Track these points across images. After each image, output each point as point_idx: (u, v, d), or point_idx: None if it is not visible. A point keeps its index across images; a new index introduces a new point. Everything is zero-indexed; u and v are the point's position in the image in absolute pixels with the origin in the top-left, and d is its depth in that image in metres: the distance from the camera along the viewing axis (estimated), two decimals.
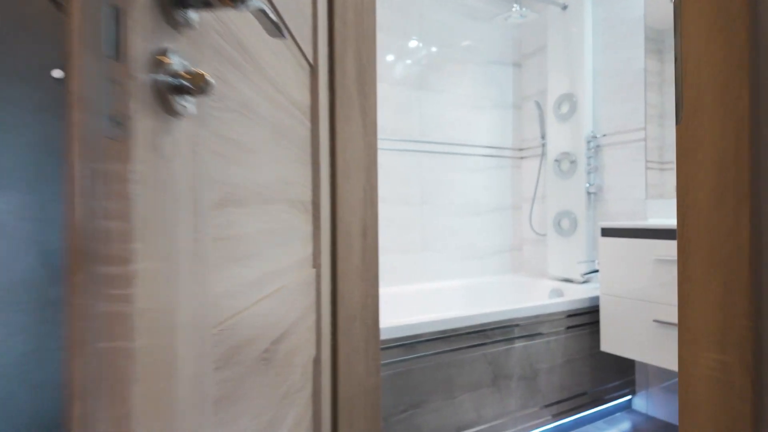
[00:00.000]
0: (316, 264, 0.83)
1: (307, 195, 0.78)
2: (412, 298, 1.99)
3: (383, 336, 1.27)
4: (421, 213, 2.13)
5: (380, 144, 2.02)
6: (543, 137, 2.25)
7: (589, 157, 2.01)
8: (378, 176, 1.01)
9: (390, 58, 2.05)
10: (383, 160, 2.03)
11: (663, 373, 1.75)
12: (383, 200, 2.03)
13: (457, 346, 1.40)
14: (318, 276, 0.82)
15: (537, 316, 1.58)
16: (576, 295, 1.73)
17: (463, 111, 2.27)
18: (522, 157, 2.47)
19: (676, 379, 1.70)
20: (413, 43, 2.11)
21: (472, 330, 1.43)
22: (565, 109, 2.10)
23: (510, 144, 2.44)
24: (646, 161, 1.81)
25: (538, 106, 2.21)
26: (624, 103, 1.91)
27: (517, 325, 1.53)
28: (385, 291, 1.95)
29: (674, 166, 1.87)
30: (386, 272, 2.03)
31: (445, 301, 2.08)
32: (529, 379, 1.55)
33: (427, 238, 2.14)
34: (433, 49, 2.17)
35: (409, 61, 2.10)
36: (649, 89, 1.80)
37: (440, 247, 2.18)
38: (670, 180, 1.75)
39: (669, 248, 1.38)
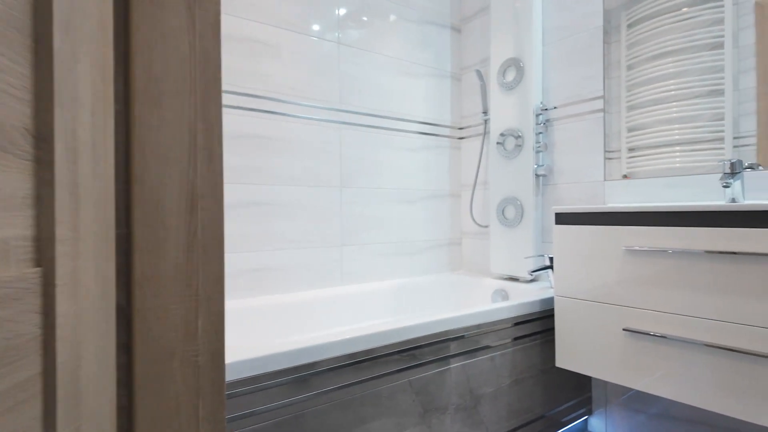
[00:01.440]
0: (47, 258, 0.41)
1: (3, 110, 0.36)
2: (325, 308, 1.60)
3: (260, 369, 0.86)
4: (340, 198, 1.74)
5: (291, 109, 1.61)
6: (485, 112, 1.95)
7: (538, 134, 1.73)
8: (222, 110, 0.61)
9: (302, 1, 1.64)
10: (293, 129, 1.62)
11: (623, 387, 1.49)
12: (293, 180, 1.62)
13: (373, 374, 1.03)
14: (47, 283, 0.41)
15: (479, 326, 1.25)
16: (524, 297, 1.43)
17: (393, 77, 1.91)
18: (462, 138, 2.16)
19: (635, 391, 1.45)
20: None
21: (395, 350, 1.07)
22: (510, 76, 1.81)
23: (448, 121, 2.12)
24: (605, 135, 1.55)
25: (480, 75, 1.91)
26: (579, 68, 1.64)
27: (454, 339, 1.19)
28: (289, 299, 1.55)
29: (621, 155, 1.66)
30: (293, 272, 1.62)
31: (368, 309, 1.71)
32: (468, 409, 1.21)
33: (347, 229, 1.76)
34: None
35: (326, 8, 1.71)
36: None
37: (363, 241, 1.81)
38: (617, 170, 1.51)
39: (643, 236, 1.10)
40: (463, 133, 2.16)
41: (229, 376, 0.84)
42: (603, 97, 1.57)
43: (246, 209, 1.53)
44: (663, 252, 1.07)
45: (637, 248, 1.11)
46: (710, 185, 1.29)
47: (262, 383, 0.87)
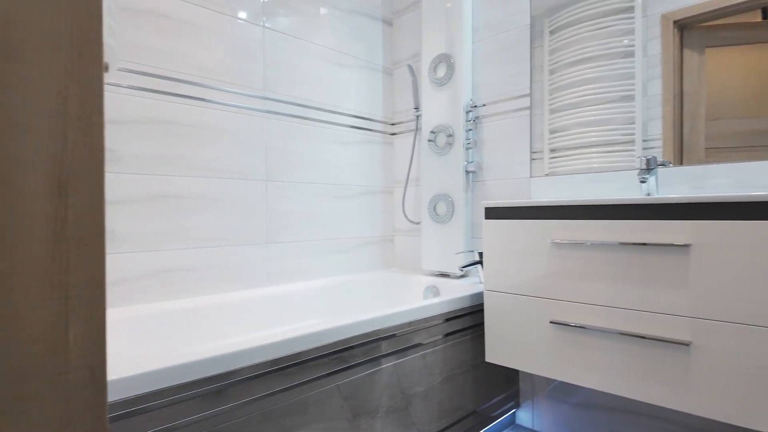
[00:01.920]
0: None
1: None
2: (249, 311, 1.48)
3: (165, 383, 0.75)
4: (265, 192, 1.63)
5: (209, 94, 1.47)
6: (417, 108, 1.93)
7: (468, 130, 1.74)
8: (102, 66, 0.50)
9: None
10: (212, 116, 1.48)
11: (549, 378, 1.53)
12: (211, 171, 1.48)
13: (298, 381, 0.95)
14: None
15: (411, 324, 1.21)
16: (455, 293, 1.42)
17: (323, 67, 1.83)
18: (394, 133, 2.13)
19: (559, 381, 1.49)
20: None
21: (323, 353, 1.00)
22: (441, 72, 1.80)
23: (381, 116, 2.08)
24: (531, 133, 1.59)
25: (411, 70, 1.88)
26: (507, 65, 1.67)
27: (385, 338, 1.14)
28: (208, 302, 1.41)
29: (544, 155, 1.72)
30: (213, 273, 1.49)
31: (297, 310, 1.62)
32: (400, 410, 1.17)
33: (273, 225, 1.65)
34: None
35: None
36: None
37: (291, 238, 1.71)
38: (539, 170, 1.55)
39: (567, 229, 1.12)
40: (395, 129, 2.13)
41: (125, 393, 0.72)
42: (530, 95, 1.60)
43: (157, 203, 1.37)
44: (585, 244, 1.10)
45: (561, 241, 1.13)
46: (630, 181, 1.36)
47: (166, 398, 0.75)
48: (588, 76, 1.46)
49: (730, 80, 1.20)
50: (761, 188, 1.12)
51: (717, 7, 1.21)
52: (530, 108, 1.60)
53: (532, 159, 1.59)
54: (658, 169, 1.28)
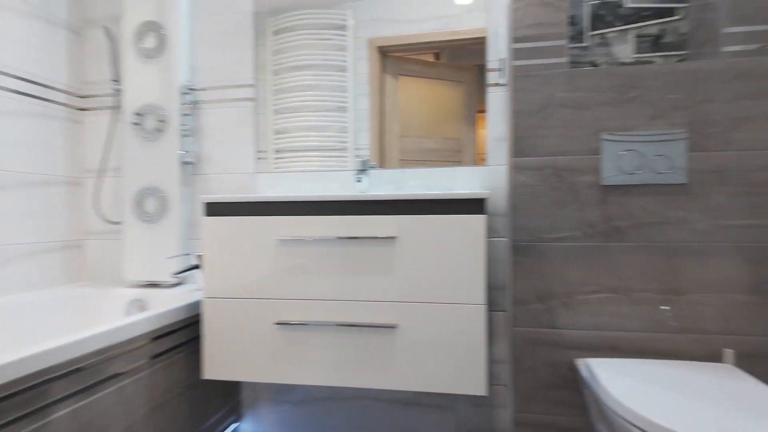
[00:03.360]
0: None
1: None
2: None
3: None
4: None
5: None
6: (117, 81, 1.59)
7: (184, 115, 1.54)
8: None
9: None
10: None
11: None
12: None
13: None
14: None
15: (101, 352, 0.95)
16: (166, 305, 1.22)
17: None
18: (84, 108, 1.69)
19: (283, 382, 1.49)
20: None
21: None
22: (150, 42, 1.54)
23: (64, 85, 1.61)
24: (257, 125, 1.53)
25: (109, 33, 1.54)
26: (230, 51, 1.57)
27: (61, 377, 0.85)
28: None
29: (269, 155, 1.69)
30: None
31: None
32: None
33: None
34: None
35: None
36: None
37: None
38: (264, 169, 1.53)
39: (292, 226, 1.11)
40: (86, 103, 1.69)
41: None
42: (254, 86, 1.54)
43: None
44: (308, 240, 1.11)
45: (286, 238, 1.11)
46: (348, 181, 1.47)
47: None
48: (308, 82, 1.51)
49: (414, 106, 1.45)
50: (440, 189, 1.40)
51: (403, 43, 1.44)
52: (255, 99, 1.54)
53: (258, 159, 1.54)
54: (370, 171, 1.44)
